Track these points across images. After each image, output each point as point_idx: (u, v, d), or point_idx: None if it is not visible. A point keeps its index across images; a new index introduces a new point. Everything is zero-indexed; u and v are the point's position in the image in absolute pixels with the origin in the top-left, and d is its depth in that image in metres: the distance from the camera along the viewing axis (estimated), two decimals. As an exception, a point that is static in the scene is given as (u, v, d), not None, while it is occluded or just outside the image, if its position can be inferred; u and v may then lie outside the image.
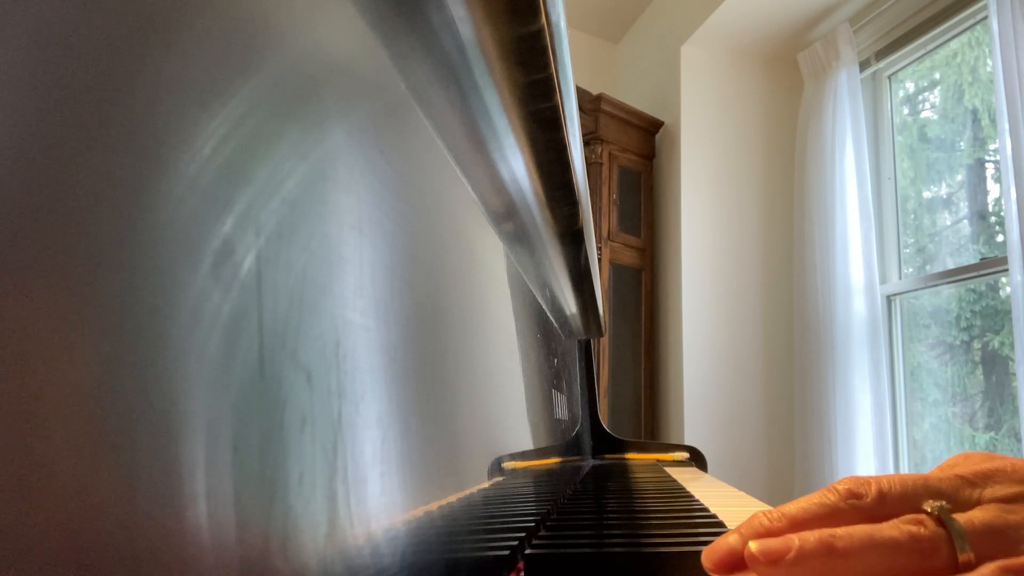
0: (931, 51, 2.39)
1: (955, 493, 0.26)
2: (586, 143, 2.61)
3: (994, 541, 0.24)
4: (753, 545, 0.24)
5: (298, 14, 0.20)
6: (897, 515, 0.25)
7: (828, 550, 0.23)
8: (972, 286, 2.24)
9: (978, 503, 0.26)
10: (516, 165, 0.46)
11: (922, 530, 0.24)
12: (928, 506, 0.25)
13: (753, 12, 2.56)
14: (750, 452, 2.61)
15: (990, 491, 0.26)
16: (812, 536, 0.24)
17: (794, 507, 0.26)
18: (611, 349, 2.60)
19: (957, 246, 2.31)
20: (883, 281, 2.45)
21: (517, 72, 0.37)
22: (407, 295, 0.27)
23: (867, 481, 0.26)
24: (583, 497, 0.75)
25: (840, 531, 0.24)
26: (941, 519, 0.24)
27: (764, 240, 2.75)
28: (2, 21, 0.10)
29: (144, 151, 0.12)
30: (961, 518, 0.24)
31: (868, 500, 0.25)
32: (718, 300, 2.67)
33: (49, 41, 0.10)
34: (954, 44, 2.32)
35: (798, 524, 0.25)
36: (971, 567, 0.24)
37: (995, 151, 2.16)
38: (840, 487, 0.26)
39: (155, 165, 0.13)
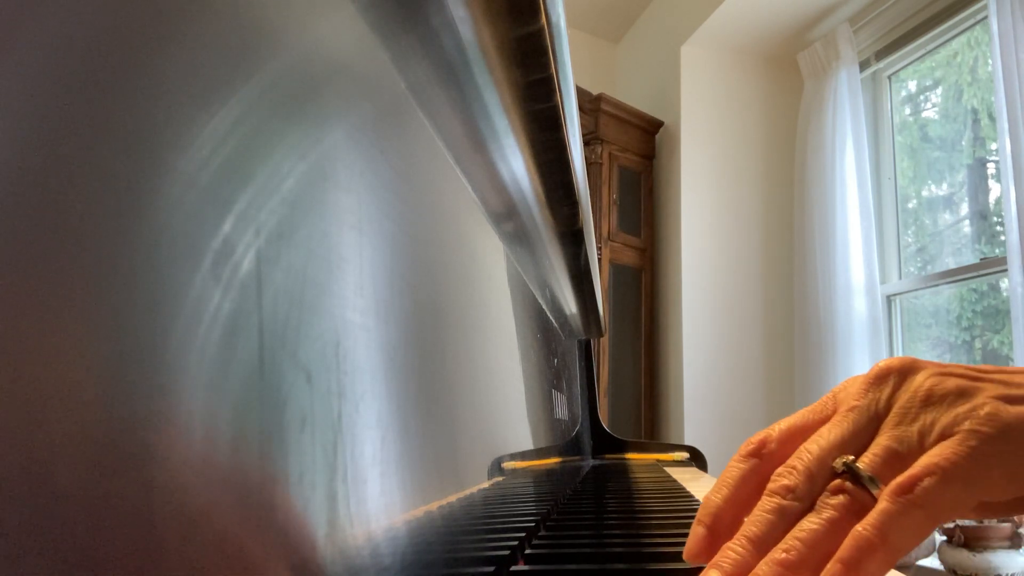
0: (931, 51, 2.39)
1: (857, 429, 0.28)
2: (586, 143, 2.61)
3: (896, 463, 0.26)
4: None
5: (298, 14, 0.20)
6: (824, 482, 0.27)
7: (784, 567, 0.25)
8: (974, 286, 2.24)
9: (878, 420, 0.28)
10: (516, 165, 0.46)
11: (844, 497, 0.26)
12: (837, 466, 0.27)
13: (753, 12, 2.56)
14: (750, 452, 2.60)
15: (884, 403, 0.28)
16: (764, 566, 0.25)
17: (754, 527, 0.27)
18: (611, 349, 2.60)
19: (958, 246, 2.31)
20: (883, 281, 2.45)
21: (517, 72, 0.36)
22: (407, 295, 0.27)
23: (791, 468, 0.28)
24: (583, 497, 0.75)
25: (787, 543, 0.26)
26: (852, 472, 0.26)
27: (764, 240, 2.75)
28: (3, 21, 0.10)
29: (144, 150, 0.12)
30: (864, 461, 0.27)
31: (801, 489, 0.27)
32: (718, 300, 2.67)
33: (50, 41, 0.10)
34: (954, 44, 2.32)
35: (760, 542, 0.27)
36: None
37: (996, 151, 2.16)
38: (774, 486, 0.28)
39: (155, 164, 0.13)
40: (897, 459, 0.26)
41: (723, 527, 0.29)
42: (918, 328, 2.42)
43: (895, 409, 0.28)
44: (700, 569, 0.28)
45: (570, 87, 0.46)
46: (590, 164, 2.61)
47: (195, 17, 0.14)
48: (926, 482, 0.24)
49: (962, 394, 0.27)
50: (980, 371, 0.28)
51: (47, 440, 0.10)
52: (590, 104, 2.62)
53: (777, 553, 0.26)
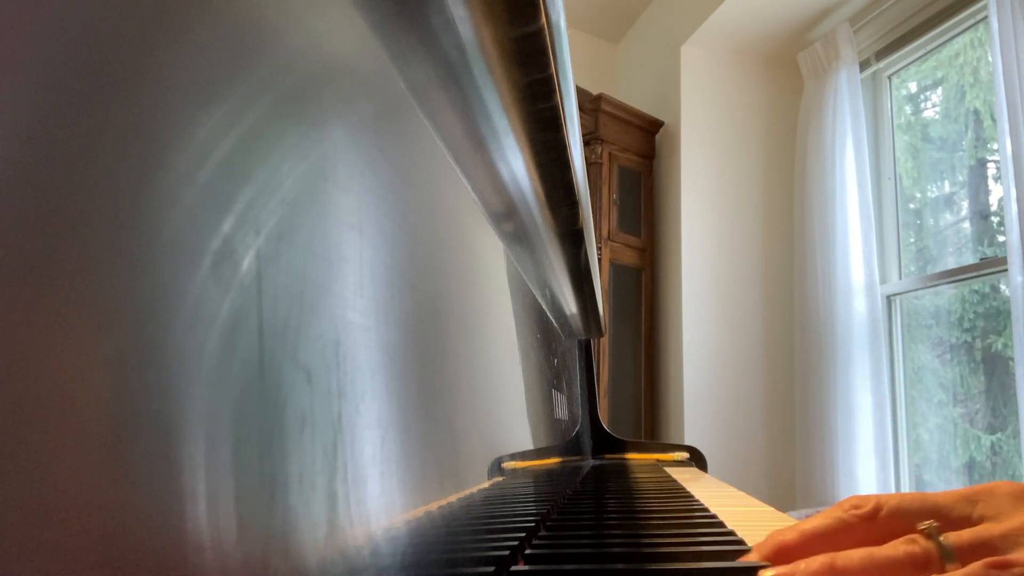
0: (932, 51, 2.39)
1: (951, 507, 0.29)
2: (586, 143, 2.61)
3: (981, 551, 0.27)
4: (766, 574, 0.28)
5: (297, 13, 0.20)
6: (896, 531, 0.28)
7: (830, 569, 0.26)
8: (976, 287, 2.24)
9: (972, 519, 0.28)
10: (516, 165, 0.46)
11: (915, 548, 0.27)
12: (922, 526, 0.28)
13: (753, 12, 2.56)
14: (750, 452, 2.61)
15: (983, 505, 0.28)
16: (816, 560, 0.27)
17: (806, 524, 0.29)
18: (611, 349, 2.60)
19: (958, 246, 2.31)
20: (883, 281, 2.45)
21: (517, 72, 0.37)
22: (407, 295, 0.27)
23: (867, 497, 0.29)
24: (583, 497, 0.75)
25: (841, 553, 0.27)
26: (931, 535, 0.27)
27: (764, 240, 2.75)
28: (3, 21, 0.10)
29: (143, 150, 0.12)
30: (950, 536, 0.27)
31: (867, 509, 0.28)
32: (718, 300, 2.67)
33: (49, 40, 0.10)
34: (957, 44, 2.32)
35: (808, 537, 0.28)
36: None
37: (996, 151, 2.16)
38: (845, 503, 0.29)
39: (155, 164, 0.13)
40: (981, 547, 0.26)
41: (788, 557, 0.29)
42: (919, 329, 2.42)
43: (995, 511, 0.28)
44: (701, 570, 0.28)
45: (570, 87, 0.46)
46: (590, 164, 2.61)
47: (194, 16, 0.14)
48: (1020, 571, 0.25)
49: None
50: None
51: (47, 441, 0.10)
52: (590, 104, 2.62)
53: (827, 557, 0.27)
